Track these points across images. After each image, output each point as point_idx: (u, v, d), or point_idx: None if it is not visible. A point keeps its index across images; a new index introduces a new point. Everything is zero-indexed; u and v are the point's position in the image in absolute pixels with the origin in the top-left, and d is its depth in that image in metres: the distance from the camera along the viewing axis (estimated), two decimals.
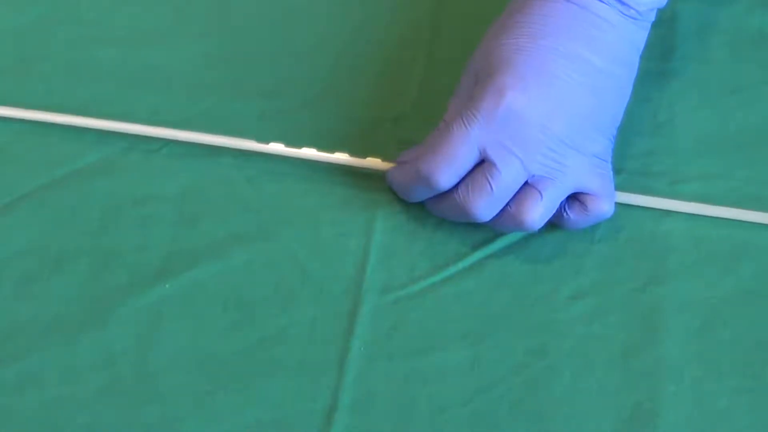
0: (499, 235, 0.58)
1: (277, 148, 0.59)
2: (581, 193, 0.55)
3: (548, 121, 0.53)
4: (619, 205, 0.58)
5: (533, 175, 0.54)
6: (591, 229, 0.58)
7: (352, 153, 0.59)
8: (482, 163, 0.54)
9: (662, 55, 0.63)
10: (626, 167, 0.59)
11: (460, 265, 0.57)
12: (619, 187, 0.58)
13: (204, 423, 0.54)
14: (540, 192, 0.54)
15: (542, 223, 0.55)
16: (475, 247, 0.58)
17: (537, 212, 0.54)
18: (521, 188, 0.54)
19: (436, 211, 0.58)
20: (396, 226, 0.58)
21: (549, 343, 0.55)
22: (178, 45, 0.65)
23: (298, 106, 0.62)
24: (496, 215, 0.55)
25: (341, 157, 0.59)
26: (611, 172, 0.56)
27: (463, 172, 0.54)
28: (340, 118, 0.62)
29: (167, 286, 0.57)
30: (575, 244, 0.58)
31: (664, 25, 0.63)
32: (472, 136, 0.54)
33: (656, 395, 0.54)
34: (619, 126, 0.57)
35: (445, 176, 0.54)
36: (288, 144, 0.60)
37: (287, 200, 0.60)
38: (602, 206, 0.55)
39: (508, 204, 0.55)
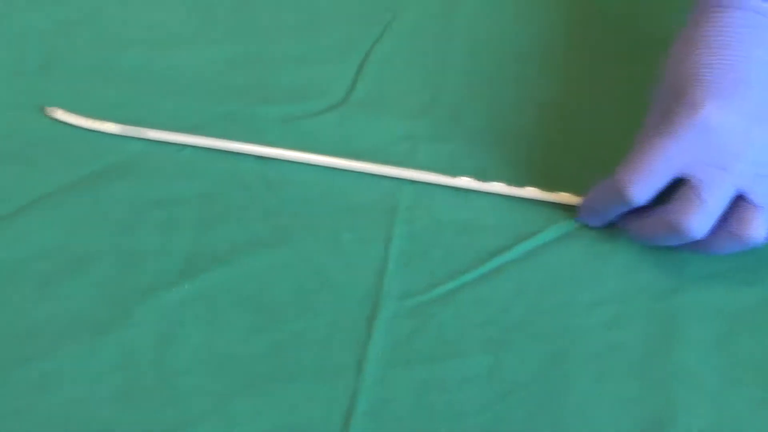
0: (517, 241, 0.58)
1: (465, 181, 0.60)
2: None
3: (748, 130, 0.52)
4: None
5: (741, 188, 0.53)
6: (611, 237, 0.58)
7: (376, 161, 0.60)
8: (687, 181, 0.53)
9: None
10: None
11: (479, 271, 0.57)
12: None
13: (222, 425, 0.54)
14: (756, 205, 0.53)
15: (766, 235, 0.53)
16: (494, 254, 0.58)
17: (758, 225, 0.53)
18: (734, 204, 0.53)
19: (638, 235, 0.57)
20: (415, 232, 0.58)
21: (568, 350, 0.55)
22: (201, 48, 0.65)
23: (322, 111, 0.62)
24: (711, 235, 0.54)
25: (531, 191, 0.59)
26: None
27: (658, 186, 0.53)
28: (366, 123, 0.62)
29: (187, 288, 0.58)
30: (595, 251, 0.58)
31: None
32: (669, 152, 0.52)
33: (674, 404, 0.54)
34: None
35: (640, 190, 0.53)
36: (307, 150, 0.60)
37: (307, 205, 0.60)
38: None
39: (724, 223, 0.53)
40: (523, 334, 0.56)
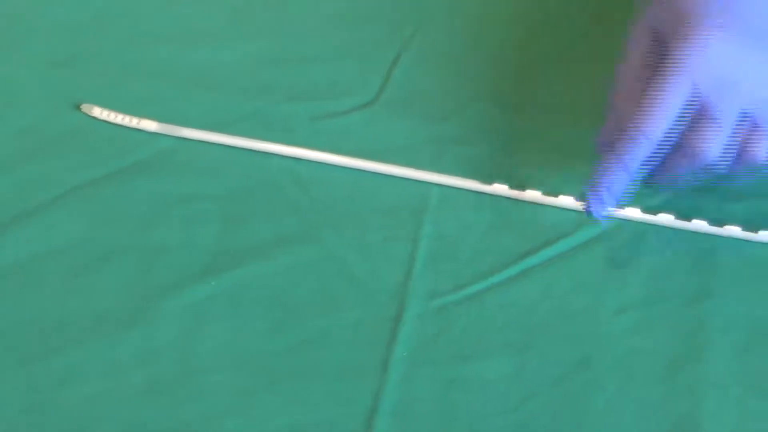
0: (544, 245, 0.58)
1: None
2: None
3: (750, 52, 0.53)
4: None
5: (747, 109, 0.54)
6: (638, 242, 0.58)
7: (405, 162, 0.60)
8: (698, 107, 0.53)
9: None
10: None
11: (506, 274, 0.57)
12: (668, 205, 0.58)
13: (244, 422, 0.54)
14: (760, 127, 0.54)
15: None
16: (522, 257, 0.57)
17: (762, 148, 0.54)
18: (746, 127, 0.54)
19: (660, 178, 0.56)
20: (443, 233, 0.58)
21: (593, 354, 0.55)
22: (232, 45, 0.65)
23: (352, 110, 0.63)
24: (729, 159, 0.55)
25: (564, 200, 0.59)
26: None
27: (673, 116, 0.53)
28: (393, 124, 0.62)
29: (213, 284, 0.58)
30: (621, 256, 0.57)
31: None
32: (678, 81, 0.53)
33: (699, 411, 0.53)
34: None
35: (657, 123, 0.53)
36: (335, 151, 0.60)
37: (334, 203, 0.60)
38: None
39: (737, 146, 0.54)
40: (548, 337, 0.56)
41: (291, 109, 0.63)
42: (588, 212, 0.56)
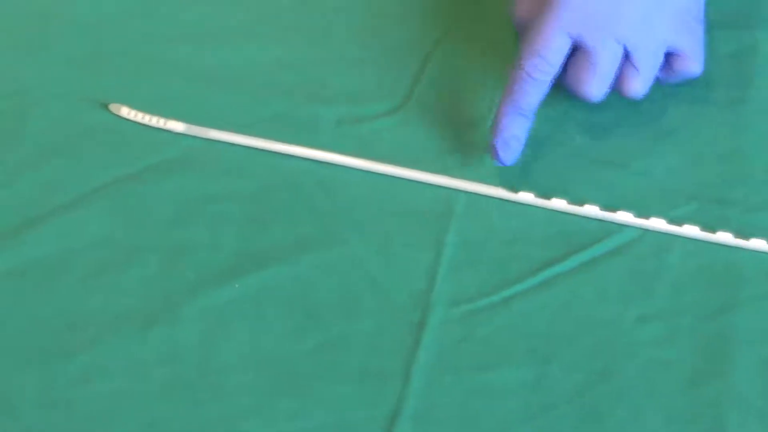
0: (569, 254, 0.58)
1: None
2: (671, 53, 0.58)
3: None
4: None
5: (626, 46, 0.57)
6: (663, 253, 0.57)
7: (434, 169, 0.60)
8: (580, 48, 0.57)
9: (739, 83, 0.62)
10: (700, 194, 0.59)
11: (530, 282, 0.57)
12: (692, 217, 0.58)
13: (265, 424, 0.54)
14: (636, 67, 0.57)
15: (646, 91, 0.58)
16: (545, 266, 0.57)
17: (638, 85, 0.58)
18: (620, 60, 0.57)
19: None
20: (467, 240, 0.58)
21: (615, 365, 0.55)
22: (260, 46, 0.65)
23: (378, 115, 0.63)
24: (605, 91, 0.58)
25: (590, 209, 0.59)
26: (701, 29, 0.59)
27: (559, 59, 0.57)
28: (420, 130, 0.62)
29: (236, 286, 0.58)
30: (646, 267, 0.57)
31: (744, 54, 0.63)
32: (558, 24, 0.56)
33: (721, 425, 0.53)
34: None
35: (543, 67, 0.57)
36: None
37: (358, 207, 0.60)
38: (690, 66, 0.58)
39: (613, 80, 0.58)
40: (571, 346, 0.55)
41: (317, 111, 0.63)
42: (496, 159, 0.58)
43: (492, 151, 0.59)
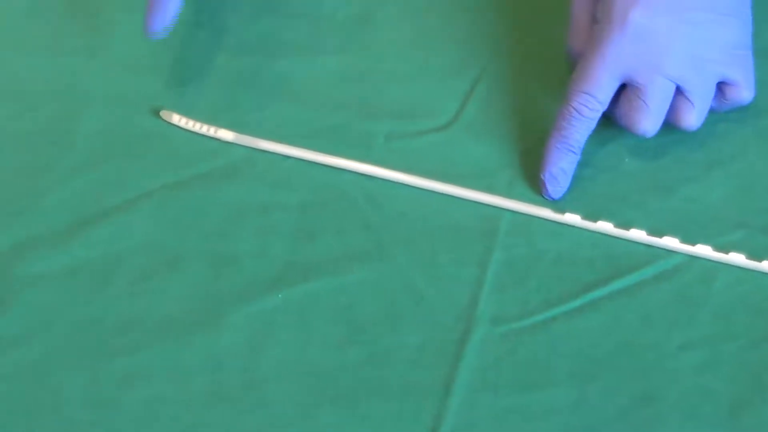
0: (613, 277, 0.57)
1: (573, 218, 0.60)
2: (724, 82, 0.58)
3: (674, 27, 0.56)
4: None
5: (677, 82, 0.57)
6: (708, 280, 0.57)
7: (480, 187, 0.60)
8: (630, 86, 0.58)
9: None
10: (747, 222, 0.59)
11: (573, 304, 0.57)
12: (738, 245, 0.58)
13: None
14: (690, 101, 0.57)
15: (701, 123, 0.59)
16: (590, 288, 0.57)
17: (692, 119, 0.58)
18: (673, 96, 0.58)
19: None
20: (513, 259, 0.58)
21: (656, 390, 0.55)
22: (313, 59, 0.66)
23: (429, 131, 0.63)
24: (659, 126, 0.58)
25: (636, 234, 0.59)
26: (750, 56, 0.59)
27: (606, 97, 0.58)
28: (469, 147, 0.62)
29: (280, 296, 0.58)
30: (690, 293, 0.57)
31: None
32: (608, 62, 0.57)
33: None
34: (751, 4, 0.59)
35: (593, 101, 0.58)
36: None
37: (405, 222, 0.60)
38: (742, 94, 0.59)
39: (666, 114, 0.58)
40: (612, 370, 0.55)
41: (368, 126, 0.63)
42: (545, 193, 0.60)
43: (540, 184, 0.59)
